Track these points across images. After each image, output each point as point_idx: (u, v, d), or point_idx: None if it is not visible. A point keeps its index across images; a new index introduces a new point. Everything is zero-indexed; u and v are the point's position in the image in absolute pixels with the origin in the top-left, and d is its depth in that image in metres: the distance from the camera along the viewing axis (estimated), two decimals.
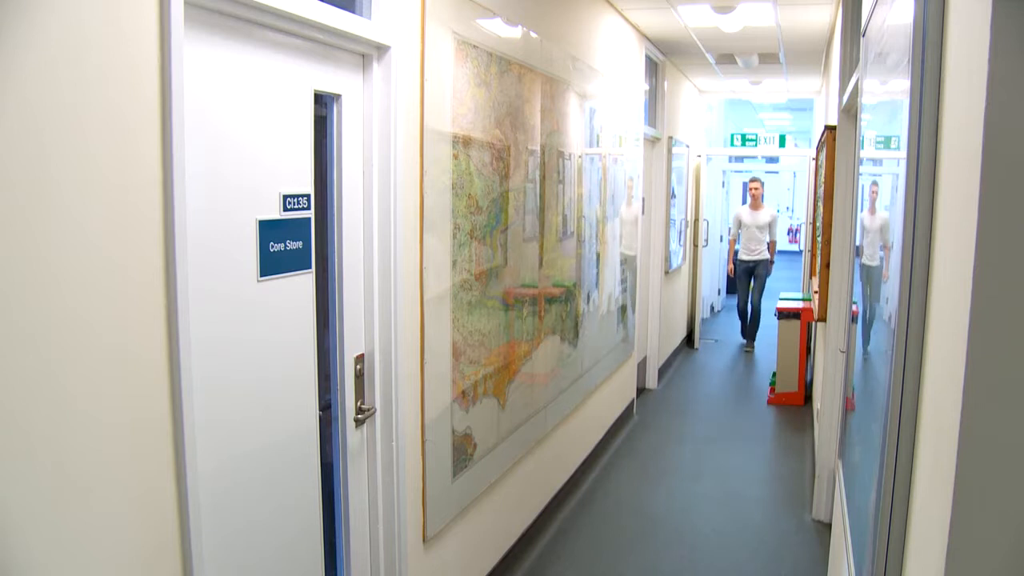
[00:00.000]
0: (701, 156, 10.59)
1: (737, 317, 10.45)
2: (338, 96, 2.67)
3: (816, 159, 7.16)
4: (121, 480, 1.79)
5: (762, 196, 10.19)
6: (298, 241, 2.45)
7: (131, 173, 1.78)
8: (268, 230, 2.33)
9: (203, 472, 2.04)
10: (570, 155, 4.85)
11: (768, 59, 8.04)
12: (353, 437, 2.84)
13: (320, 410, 2.64)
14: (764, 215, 9.92)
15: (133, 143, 1.78)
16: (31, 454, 1.57)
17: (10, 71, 1.50)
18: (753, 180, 10.12)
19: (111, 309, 1.74)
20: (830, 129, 4.85)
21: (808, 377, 7.61)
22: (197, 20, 2.01)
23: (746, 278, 10.01)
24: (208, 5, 2.05)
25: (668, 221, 8.23)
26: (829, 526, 4.44)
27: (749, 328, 10.13)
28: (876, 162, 2.45)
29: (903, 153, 1.59)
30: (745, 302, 10.09)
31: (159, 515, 1.90)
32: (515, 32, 3.91)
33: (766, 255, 9.93)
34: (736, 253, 10.17)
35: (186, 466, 1.94)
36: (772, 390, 7.70)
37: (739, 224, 10.02)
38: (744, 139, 12.32)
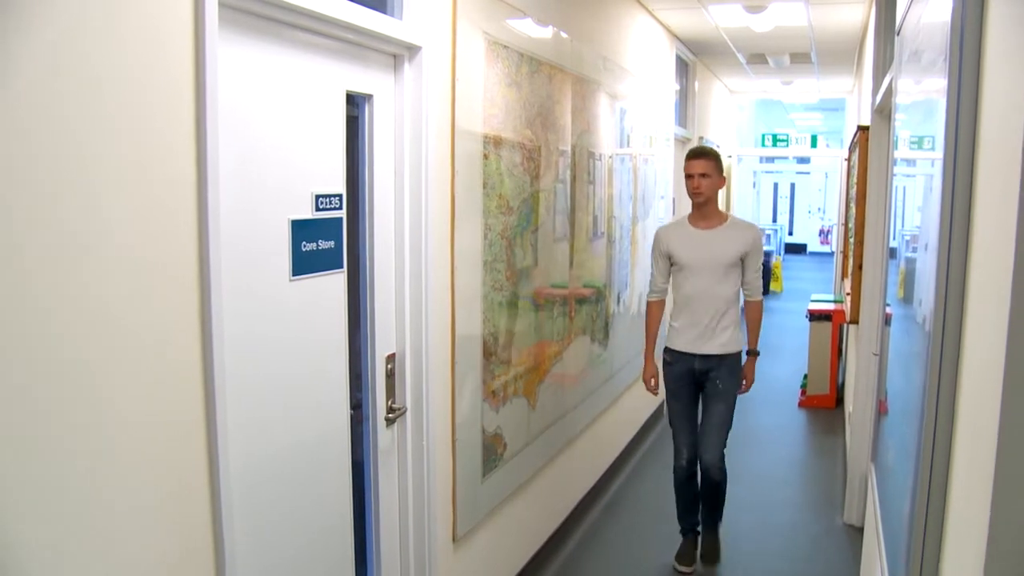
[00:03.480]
0: (732, 157, 10.53)
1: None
2: (370, 96, 2.68)
3: (848, 159, 7.10)
4: (155, 477, 1.80)
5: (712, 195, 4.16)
6: (330, 241, 2.46)
7: (165, 173, 1.79)
8: (300, 230, 2.34)
9: (235, 469, 2.05)
10: (600, 155, 4.84)
11: (799, 59, 7.97)
12: (384, 436, 2.85)
13: (351, 409, 2.65)
14: (728, 241, 4.05)
15: (167, 143, 1.80)
16: (66, 451, 1.59)
17: (48, 71, 1.52)
18: (696, 157, 4.03)
19: (146, 309, 1.75)
20: (863, 129, 4.81)
21: (840, 379, 7.54)
22: (230, 21, 2.03)
23: (688, 396, 4.21)
24: (241, 6, 2.07)
25: None
26: (861, 530, 4.40)
27: (702, 509, 4.38)
28: (910, 162, 2.42)
29: (939, 153, 1.57)
30: (693, 443, 4.25)
31: (192, 512, 1.92)
32: (546, 32, 3.91)
33: (735, 343, 4.13)
34: (671, 333, 4.23)
35: (219, 464, 1.95)
36: (803, 392, 7.64)
37: (668, 264, 4.18)
38: (775, 139, 12.24)
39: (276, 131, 2.26)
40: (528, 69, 3.67)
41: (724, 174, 4.12)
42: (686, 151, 4.30)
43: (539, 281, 3.92)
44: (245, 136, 2.13)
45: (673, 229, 4.22)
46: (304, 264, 2.35)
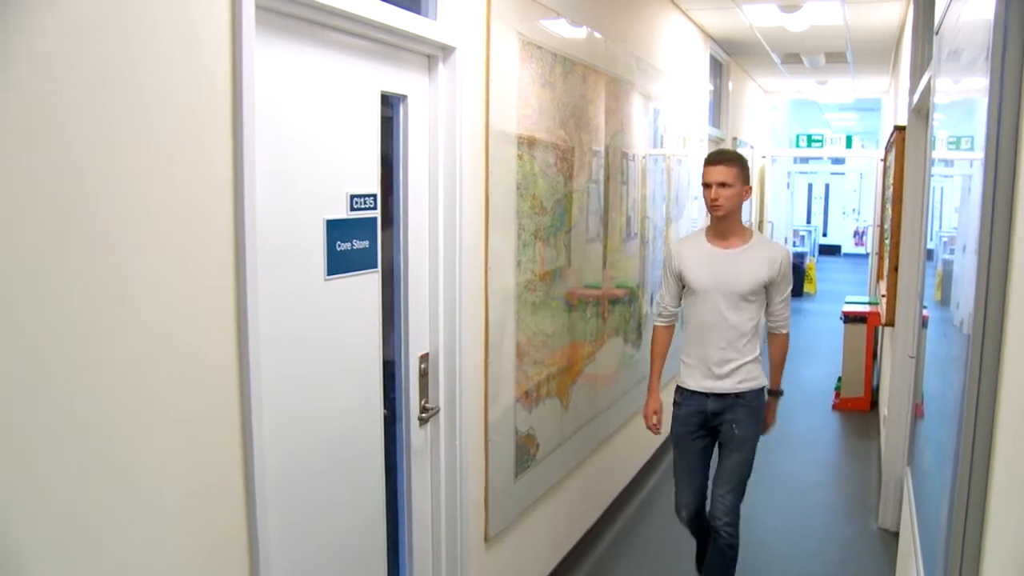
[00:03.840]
0: (766, 157, 10.46)
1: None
2: (404, 97, 2.70)
3: (884, 160, 7.02)
4: (191, 471, 1.82)
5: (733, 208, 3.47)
6: (364, 240, 2.48)
7: (203, 174, 1.81)
8: (335, 229, 2.36)
9: (269, 466, 2.07)
10: (634, 156, 4.83)
11: (835, 58, 7.90)
12: (417, 436, 2.86)
13: (384, 408, 2.67)
14: (749, 264, 3.45)
15: (205, 145, 1.82)
16: (106, 448, 1.61)
17: (91, 76, 1.54)
18: (715, 163, 3.44)
19: (183, 308, 1.77)
20: (899, 129, 4.76)
21: (874, 382, 7.46)
22: (267, 22, 2.04)
23: (697, 444, 3.63)
24: (278, 8, 2.09)
25: None
26: (896, 535, 4.35)
27: (711, 563, 3.68)
28: (948, 163, 2.39)
29: (979, 153, 1.55)
30: (696, 501, 3.69)
31: (227, 507, 1.94)
32: (579, 32, 3.91)
33: (756, 379, 3.55)
34: (682, 370, 3.64)
35: (253, 460, 1.97)
36: (837, 395, 7.57)
37: (680, 285, 3.62)
38: (810, 140, 12.14)
39: (311, 131, 2.28)
40: (562, 69, 3.67)
41: (750, 182, 3.47)
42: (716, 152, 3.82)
43: (572, 282, 3.92)
44: (281, 136, 2.15)
45: (687, 245, 3.58)
46: (339, 264, 2.37)
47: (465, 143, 2.86)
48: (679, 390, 3.61)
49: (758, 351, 3.52)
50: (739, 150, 8.47)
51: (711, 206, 3.39)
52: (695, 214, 6.56)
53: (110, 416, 1.61)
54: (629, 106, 4.67)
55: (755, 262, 3.41)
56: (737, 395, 3.48)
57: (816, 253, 19.42)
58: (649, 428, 3.74)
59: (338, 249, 2.37)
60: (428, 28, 2.68)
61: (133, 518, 1.68)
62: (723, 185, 3.35)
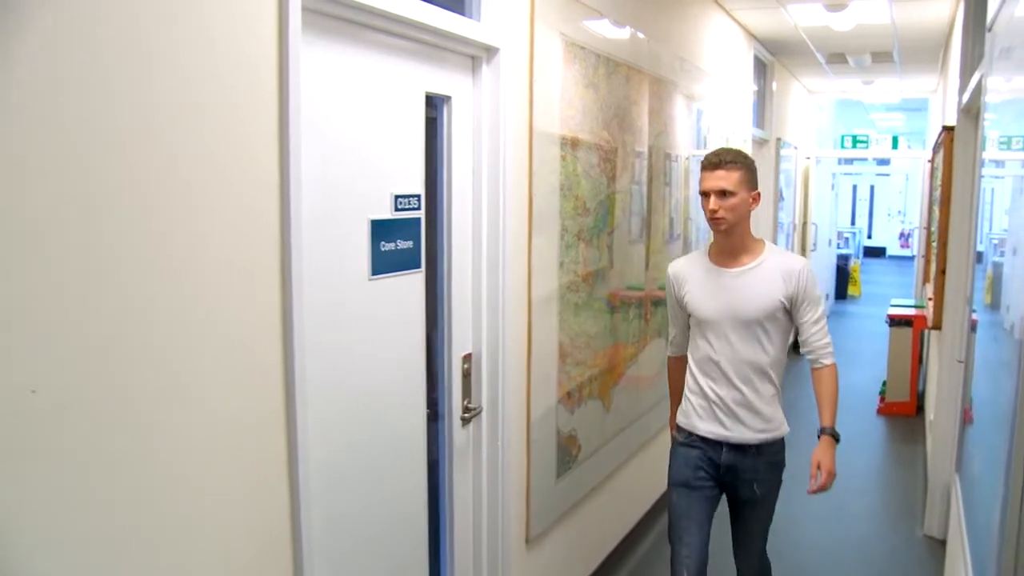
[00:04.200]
0: (810, 158, 10.34)
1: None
2: (448, 98, 2.71)
3: (932, 161, 6.92)
4: (238, 469, 1.85)
5: (739, 220, 2.85)
6: (409, 241, 2.49)
7: (250, 175, 1.83)
8: (380, 230, 2.37)
9: (314, 464, 2.09)
10: (677, 157, 4.80)
11: (881, 58, 7.80)
12: (459, 435, 2.87)
13: (427, 408, 2.68)
14: (760, 284, 2.87)
15: (252, 145, 1.84)
16: (154, 447, 1.64)
17: (142, 81, 1.57)
18: (714, 167, 2.80)
19: (230, 308, 1.80)
20: (948, 130, 4.68)
21: (920, 387, 7.35)
22: (312, 24, 2.06)
23: (702, 492, 2.96)
24: (324, 9, 2.10)
25: (776, 225, 8.07)
26: (943, 543, 4.28)
27: None
28: (999, 163, 2.35)
29: None
30: (701, 558, 2.92)
31: (272, 504, 1.96)
32: (623, 33, 3.90)
33: (779, 426, 2.99)
34: (685, 408, 3.03)
35: (298, 458, 1.99)
36: (882, 399, 7.46)
37: (685, 314, 3.02)
38: (855, 141, 11.98)
39: (356, 132, 2.30)
40: (605, 70, 3.66)
41: (758, 186, 2.86)
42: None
43: (615, 283, 3.91)
44: (326, 137, 2.17)
45: (687, 267, 2.99)
46: (383, 264, 2.39)
47: (509, 144, 2.87)
48: (682, 431, 3.00)
49: (778, 390, 2.95)
50: (782, 151, 8.39)
51: (711, 220, 2.80)
52: None
53: (160, 415, 1.64)
54: (672, 107, 4.65)
55: (768, 279, 2.82)
56: (759, 447, 2.91)
57: (861, 255, 19.18)
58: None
59: (382, 249, 2.38)
60: (472, 29, 2.68)
61: (180, 516, 1.71)
62: (724, 194, 2.74)
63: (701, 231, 5.43)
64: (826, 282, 12.66)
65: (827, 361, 2.94)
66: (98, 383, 1.51)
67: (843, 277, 14.27)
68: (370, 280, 2.35)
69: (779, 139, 8.16)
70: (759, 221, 7.52)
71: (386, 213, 2.40)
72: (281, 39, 1.89)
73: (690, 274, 2.96)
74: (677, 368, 3.17)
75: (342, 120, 2.24)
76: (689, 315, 2.96)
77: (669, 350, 3.20)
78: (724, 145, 5.86)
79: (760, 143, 7.61)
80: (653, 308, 4.52)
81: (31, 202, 1.38)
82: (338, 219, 2.24)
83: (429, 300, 2.66)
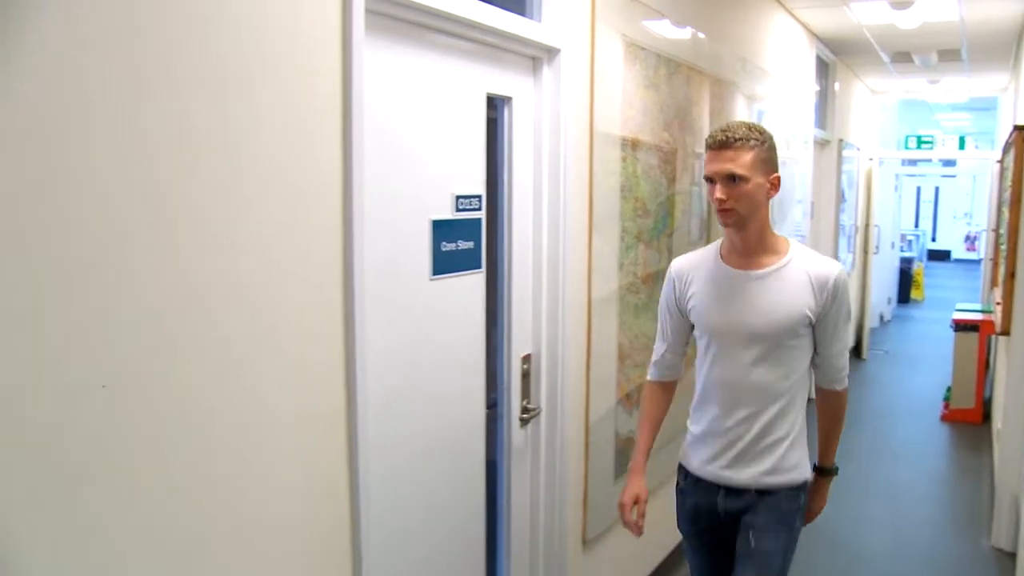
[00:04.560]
0: (873, 159, 10.15)
1: None
2: (509, 99, 2.71)
3: (1001, 161, 6.74)
4: (299, 465, 1.87)
5: (753, 212, 2.32)
6: (469, 241, 2.50)
7: (313, 175, 1.86)
8: (441, 230, 2.38)
9: (374, 461, 2.10)
10: None
11: (948, 56, 7.62)
12: (518, 436, 2.87)
13: (486, 408, 2.69)
14: (782, 292, 2.35)
15: (315, 146, 1.86)
16: (216, 443, 1.67)
17: (211, 83, 1.60)
18: (721, 147, 2.26)
19: (293, 306, 1.82)
20: (1019, 129, 4.57)
21: (987, 393, 7.17)
22: (375, 26, 2.07)
23: (715, 548, 2.53)
24: (386, 11, 2.12)
25: (837, 227, 7.94)
26: (1012, 555, 4.18)
27: None
28: None
29: None
30: None
31: (332, 502, 1.98)
32: (683, 33, 3.87)
33: (793, 468, 2.40)
34: (687, 443, 2.55)
35: (359, 454, 2.01)
36: (946, 406, 7.29)
37: (685, 323, 2.54)
38: (919, 141, 11.73)
39: (418, 132, 2.31)
40: (666, 71, 3.64)
41: (778, 169, 2.34)
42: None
43: None
44: (388, 138, 2.19)
45: (693, 266, 2.48)
46: (444, 264, 2.40)
47: (569, 145, 2.86)
48: (681, 470, 2.56)
49: (801, 425, 2.41)
50: (844, 152, 8.24)
51: (718, 211, 2.31)
52: (799, 217, 6.42)
53: (224, 413, 1.67)
54: (733, 107, 4.60)
55: (792, 287, 2.31)
56: (762, 493, 2.38)
57: (924, 258, 18.78)
58: (626, 525, 2.54)
59: (443, 249, 2.40)
60: (533, 30, 2.69)
61: (241, 513, 1.74)
62: (733, 179, 2.22)
63: None
64: (888, 285, 12.42)
65: (840, 386, 2.46)
66: (164, 381, 1.54)
67: (906, 281, 13.99)
68: (431, 280, 2.36)
69: (841, 140, 8.03)
70: (820, 223, 7.42)
71: (447, 213, 2.41)
72: (345, 42, 1.91)
73: (697, 275, 2.44)
74: (654, 396, 2.60)
75: (404, 121, 2.26)
76: (692, 326, 2.50)
77: (651, 372, 2.61)
78: (785, 146, 5.78)
79: (822, 144, 7.49)
80: None
81: (112, 207, 1.42)
82: (400, 219, 2.25)
83: (489, 300, 2.67)
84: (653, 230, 3.60)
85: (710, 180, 2.27)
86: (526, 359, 2.87)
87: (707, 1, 4.26)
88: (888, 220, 12.00)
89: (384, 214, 2.17)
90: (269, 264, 1.75)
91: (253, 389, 1.73)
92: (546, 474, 2.96)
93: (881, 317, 11.99)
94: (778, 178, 2.31)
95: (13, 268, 1.29)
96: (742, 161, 2.22)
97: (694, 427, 2.49)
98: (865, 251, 9.81)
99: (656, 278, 3.65)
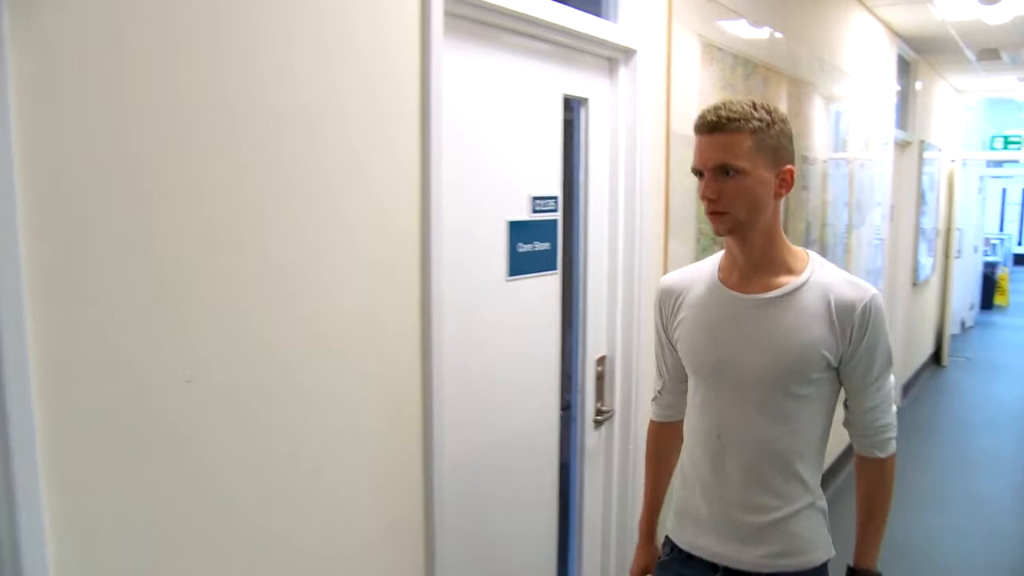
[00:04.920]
0: (956, 161, 9.87)
1: None
2: (585, 100, 2.71)
3: None
4: (374, 468, 1.90)
5: (751, 214, 1.78)
6: (546, 242, 2.50)
7: (392, 175, 1.88)
8: (517, 231, 2.39)
9: (448, 460, 2.12)
10: (814, 160, 4.67)
11: None
12: (591, 438, 2.87)
13: (560, 409, 2.69)
14: (794, 321, 1.78)
15: (395, 146, 1.88)
16: (294, 437, 1.70)
17: (298, 87, 1.64)
18: (710, 130, 1.73)
19: (371, 306, 1.85)
20: None
21: None
22: (452, 27, 2.09)
23: None
24: (464, 13, 2.13)
25: (918, 230, 7.74)
26: None
27: None
28: None
29: None
30: None
31: (407, 501, 2.00)
32: (760, 33, 3.82)
33: (808, 549, 1.86)
34: (674, 509, 2.04)
35: (433, 453, 2.03)
36: None
37: (674, 352, 2.02)
38: (1006, 142, 11.36)
39: (495, 134, 2.33)
40: (743, 71, 3.59)
41: (792, 160, 1.79)
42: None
43: None
44: (465, 139, 2.20)
45: (684, 284, 1.98)
46: (520, 264, 2.41)
47: (645, 146, 2.85)
48: (667, 542, 2.06)
49: (819, 493, 1.88)
50: (926, 154, 8.04)
51: (707, 215, 1.79)
52: (878, 220, 6.28)
53: (302, 409, 1.71)
54: (811, 108, 4.52)
55: (805, 317, 1.77)
56: None
57: (1010, 263, 18.17)
58: None
59: (519, 250, 2.41)
60: (610, 31, 2.68)
61: (319, 509, 1.77)
62: (726, 171, 1.71)
63: (839, 236, 5.26)
64: (971, 291, 12.06)
65: (883, 453, 1.86)
66: (246, 375, 1.58)
67: (989, 286, 13.56)
68: (507, 281, 2.37)
69: (923, 141, 7.83)
70: (900, 226, 7.24)
71: (523, 214, 2.42)
72: (424, 44, 1.93)
73: (688, 296, 1.93)
74: (659, 438, 2.14)
75: (480, 123, 2.27)
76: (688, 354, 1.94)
77: (653, 411, 2.15)
78: (864, 147, 5.65)
79: (902, 145, 7.32)
80: None
81: (207, 211, 1.47)
82: (476, 220, 2.27)
83: (565, 302, 2.67)
84: None
85: (699, 173, 1.76)
86: (600, 361, 2.86)
87: (785, 1, 4.19)
88: (971, 223, 11.66)
89: (461, 215, 2.18)
90: (348, 260, 1.78)
91: (331, 388, 1.76)
92: (619, 476, 2.95)
93: (963, 323, 11.64)
94: (791, 172, 1.76)
95: (123, 269, 1.34)
96: (739, 148, 1.69)
97: (683, 489, 1.98)
98: (946, 255, 9.55)
99: None
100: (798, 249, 1.87)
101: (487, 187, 2.31)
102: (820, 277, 1.80)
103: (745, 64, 3.61)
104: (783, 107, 4.07)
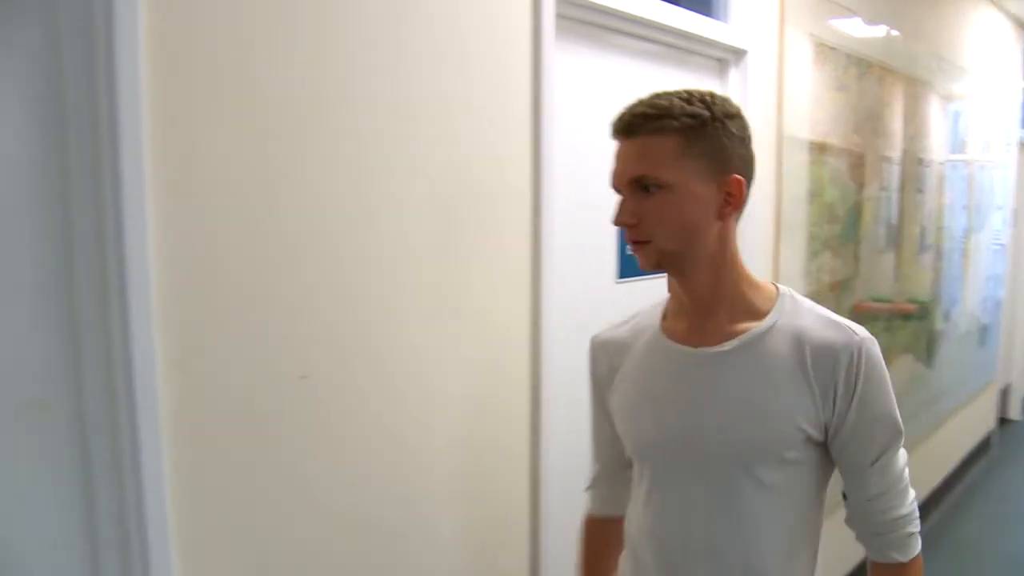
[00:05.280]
0: None
1: None
2: None
3: None
4: (481, 468, 1.92)
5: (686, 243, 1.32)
6: None
7: (505, 176, 1.90)
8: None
9: (553, 464, 2.11)
10: (930, 162, 4.50)
11: None
12: None
13: None
14: (754, 382, 1.30)
15: (507, 148, 1.90)
16: (403, 434, 1.73)
17: (405, 78, 1.66)
18: (626, 131, 1.31)
19: (481, 307, 1.88)
20: None
21: None
22: (563, 29, 2.09)
23: None
24: (572, 15, 2.12)
25: None
26: None
27: None
28: None
29: None
30: None
31: (514, 501, 2.03)
32: (876, 32, 3.70)
33: None
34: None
35: (540, 451, 2.04)
36: None
37: (603, 427, 1.55)
38: None
39: (603, 135, 2.31)
40: (856, 71, 3.49)
41: (748, 169, 1.34)
42: None
43: (860, 293, 3.72)
44: (573, 139, 2.19)
45: (623, 339, 1.49)
46: (630, 267, 2.39)
47: (757, 149, 2.79)
48: None
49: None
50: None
51: (628, 244, 1.37)
52: (997, 225, 6.01)
53: (412, 408, 1.74)
54: (927, 108, 4.37)
55: (772, 370, 1.31)
56: None
57: None
58: None
59: (628, 253, 2.38)
60: (720, 31, 2.64)
61: (426, 508, 1.80)
62: (645, 186, 1.29)
63: (957, 241, 5.06)
64: None
65: (903, 555, 1.35)
66: (358, 374, 1.61)
67: None
68: (617, 283, 2.36)
69: None
70: (1023, 232, 6.90)
71: None
72: (535, 46, 1.94)
73: (629, 354, 1.45)
74: (593, 536, 1.63)
75: (590, 124, 2.26)
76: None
77: (588, 503, 1.63)
78: (984, 148, 5.41)
79: None
80: (901, 322, 4.26)
81: (328, 220, 1.52)
82: (586, 221, 2.26)
83: None
84: (841, 236, 3.46)
85: (616, 189, 1.33)
86: None
87: None
88: None
89: (570, 216, 2.18)
90: (457, 263, 1.80)
91: (441, 388, 1.79)
92: None
93: None
94: (739, 182, 1.29)
95: (246, 270, 1.40)
96: (660, 155, 1.25)
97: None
98: None
99: (843, 287, 3.52)
100: (764, 283, 1.37)
101: (596, 188, 2.29)
102: (791, 319, 1.31)
103: (859, 63, 3.51)
104: (899, 107, 3.94)
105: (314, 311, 1.52)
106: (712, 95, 1.31)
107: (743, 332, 1.32)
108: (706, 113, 1.27)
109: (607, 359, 1.48)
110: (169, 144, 1.28)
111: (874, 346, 1.30)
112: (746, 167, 1.32)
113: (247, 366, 1.42)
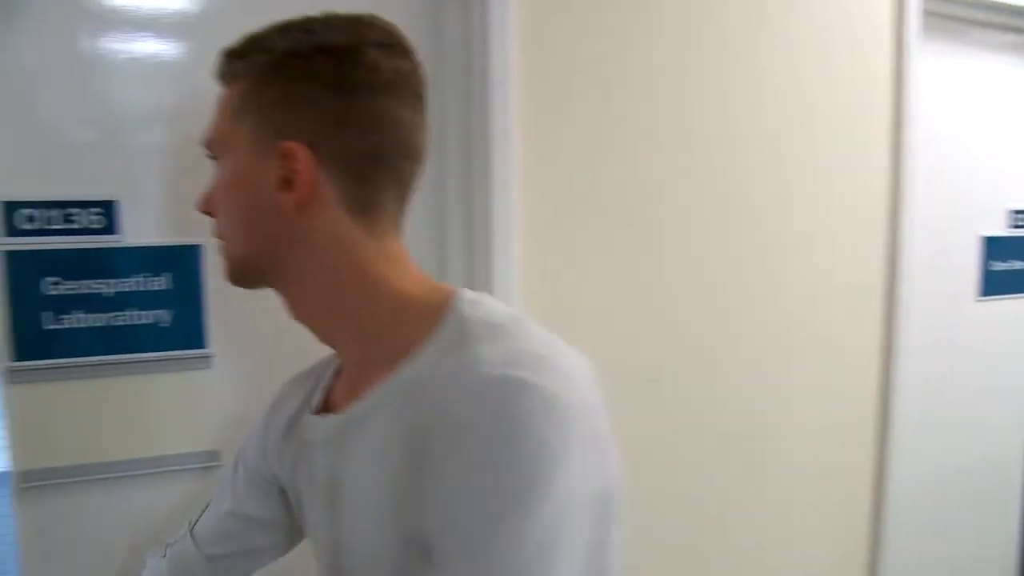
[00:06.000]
0: None
1: None
2: None
3: None
4: (825, 476, 1.87)
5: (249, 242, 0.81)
6: None
7: (860, 182, 1.83)
8: (992, 247, 2.21)
9: (901, 482, 2.02)
10: None
11: None
12: None
13: None
14: (367, 464, 0.75)
15: (864, 152, 1.82)
16: (755, 444, 1.73)
17: (762, 78, 1.66)
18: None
19: (831, 320, 1.83)
20: None
21: None
22: (927, 27, 1.97)
23: None
24: (937, 10, 1.99)
25: None
26: None
27: None
28: None
29: None
30: None
31: (854, 515, 1.96)
32: None
33: None
34: None
35: (888, 476, 1.96)
36: None
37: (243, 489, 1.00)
38: None
39: (967, 140, 2.15)
40: None
41: (315, 134, 0.75)
42: None
43: None
44: (936, 146, 2.07)
45: (292, 396, 0.94)
46: (993, 284, 2.22)
47: None
48: None
49: None
50: None
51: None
52: None
53: (762, 416, 1.75)
54: None
55: (372, 452, 0.76)
56: None
57: None
58: None
59: (992, 269, 2.21)
60: None
61: (770, 508, 1.80)
62: (211, 154, 0.83)
63: None
64: None
65: None
66: (704, 381, 1.64)
67: None
68: (977, 301, 2.20)
69: None
70: None
71: (999, 230, 2.22)
72: (898, 45, 1.85)
73: (285, 419, 0.94)
74: None
75: (952, 128, 2.12)
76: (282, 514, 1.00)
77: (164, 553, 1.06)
78: None
79: None
80: None
81: (690, 232, 1.59)
82: (944, 233, 2.13)
83: None
84: None
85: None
86: None
87: None
88: None
89: (927, 227, 2.05)
90: (807, 268, 1.77)
91: (789, 400, 1.78)
92: None
93: None
94: (293, 152, 0.75)
95: (603, 276, 1.49)
96: (222, 110, 0.82)
97: None
98: None
99: None
100: (439, 298, 0.78)
101: (957, 199, 2.15)
102: (444, 357, 0.72)
103: None
104: None
105: (662, 324, 1.57)
106: (334, 19, 0.78)
107: (369, 387, 0.79)
108: (286, 45, 0.77)
109: (279, 422, 0.97)
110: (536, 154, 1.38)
111: (511, 380, 0.67)
112: (338, 130, 0.75)
113: (600, 368, 1.50)
